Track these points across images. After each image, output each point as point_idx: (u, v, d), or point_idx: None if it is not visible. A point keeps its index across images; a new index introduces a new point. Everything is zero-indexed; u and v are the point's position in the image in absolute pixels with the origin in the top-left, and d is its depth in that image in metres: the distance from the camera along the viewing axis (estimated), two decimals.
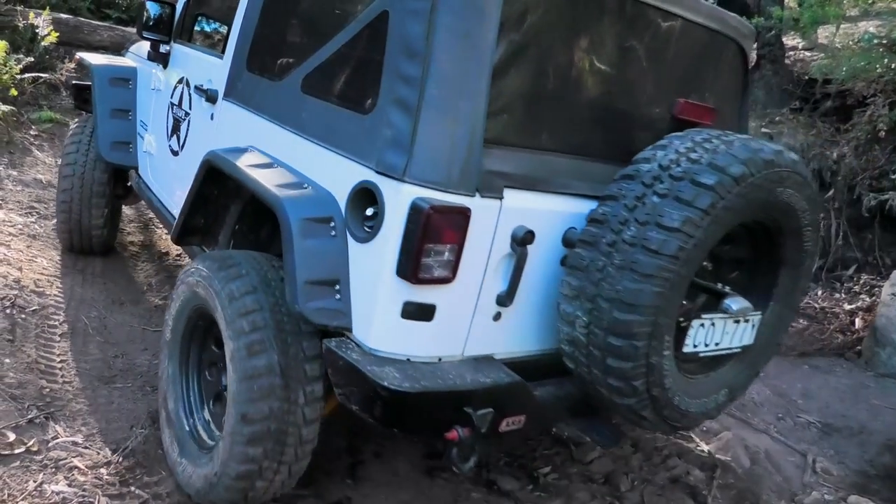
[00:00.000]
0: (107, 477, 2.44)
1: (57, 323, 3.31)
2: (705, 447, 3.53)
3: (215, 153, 2.44)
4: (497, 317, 2.06)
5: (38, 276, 3.63)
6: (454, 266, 1.86)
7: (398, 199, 1.82)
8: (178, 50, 3.34)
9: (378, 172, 1.88)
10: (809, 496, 3.30)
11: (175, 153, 3.19)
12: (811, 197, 2.15)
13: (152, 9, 3.32)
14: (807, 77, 6.07)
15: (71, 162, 3.83)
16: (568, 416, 2.47)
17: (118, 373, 3.12)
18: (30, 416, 2.59)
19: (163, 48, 3.40)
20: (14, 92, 5.86)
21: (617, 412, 2.20)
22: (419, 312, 1.89)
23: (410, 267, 1.81)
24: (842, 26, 6.47)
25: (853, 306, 4.71)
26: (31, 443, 2.46)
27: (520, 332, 2.16)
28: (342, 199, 2.00)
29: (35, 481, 2.31)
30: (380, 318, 1.90)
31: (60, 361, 3.04)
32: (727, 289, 2.25)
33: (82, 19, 8.26)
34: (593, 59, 2.17)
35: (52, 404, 2.72)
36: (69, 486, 2.33)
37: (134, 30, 8.63)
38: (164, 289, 4.04)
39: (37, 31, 6.85)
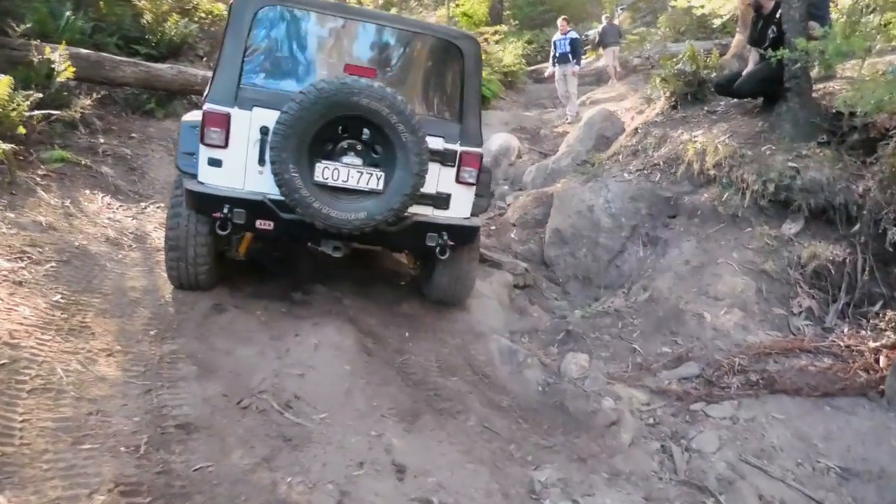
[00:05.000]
0: None
1: (27, 378, 3.19)
2: (719, 498, 3.42)
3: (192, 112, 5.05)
4: (261, 172, 4.02)
5: (15, 326, 3.53)
6: (226, 140, 3.97)
7: (204, 110, 3.96)
8: None
9: (204, 101, 4.07)
10: None
11: None
12: (392, 104, 3.81)
13: None
14: (834, 110, 5.78)
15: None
16: (319, 237, 4.30)
17: (89, 432, 2.96)
18: None
19: None
20: (22, 130, 5.70)
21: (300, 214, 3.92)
22: (214, 163, 4.00)
23: (203, 137, 3.95)
24: (870, 60, 6.16)
25: (878, 343, 4.43)
26: None
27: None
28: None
29: None
30: (200, 165, 4.04)
31: (22, 421, 2.90)
32: (349, 152, 4.02)
33: (104, 55, 8.01)
34: (304, 45, 4.36)
35: (2, 471, 2.58)
36: None
37: (160, 65, 8.67)
38: (161, 337, 3.93)
39: (53, 66, 6.63)
